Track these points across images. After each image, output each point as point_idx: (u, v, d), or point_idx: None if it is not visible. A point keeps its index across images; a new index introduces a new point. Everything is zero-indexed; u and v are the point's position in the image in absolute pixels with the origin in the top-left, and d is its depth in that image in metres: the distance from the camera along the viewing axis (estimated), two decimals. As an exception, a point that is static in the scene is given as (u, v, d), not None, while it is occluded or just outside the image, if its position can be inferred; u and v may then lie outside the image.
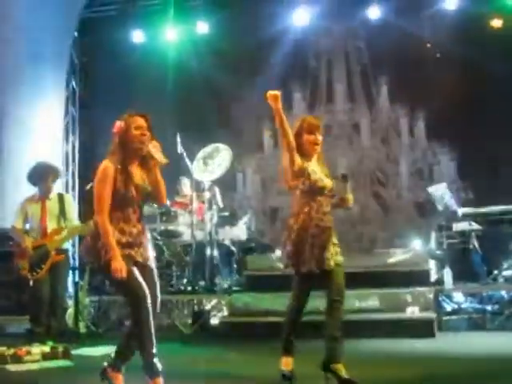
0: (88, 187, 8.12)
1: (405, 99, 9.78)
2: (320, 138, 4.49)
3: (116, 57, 10.20)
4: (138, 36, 10.58)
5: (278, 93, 4.32)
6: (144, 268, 3.94)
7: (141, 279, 3.84)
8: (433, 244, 8.07)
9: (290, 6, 10.10)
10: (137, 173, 3.98)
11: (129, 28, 10.53)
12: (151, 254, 4.19)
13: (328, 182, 4.46)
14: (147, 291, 3.81)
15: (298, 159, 4.36)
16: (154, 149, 3.97)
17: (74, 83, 10.91)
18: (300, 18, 10.13)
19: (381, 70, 10.00)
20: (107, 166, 3.88)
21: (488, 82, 9.72)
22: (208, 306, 7.88)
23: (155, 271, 4.07)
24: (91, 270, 6.83)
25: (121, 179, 3.89)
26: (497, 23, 9.72)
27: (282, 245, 4.52)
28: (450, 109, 9.42)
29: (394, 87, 10.02)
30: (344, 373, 4.14)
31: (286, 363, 4.40)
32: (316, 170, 4.45)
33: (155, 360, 3.82)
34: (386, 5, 9.84)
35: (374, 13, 9.93)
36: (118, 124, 3.98)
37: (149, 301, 3.81)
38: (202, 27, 10.29)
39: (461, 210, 7.77)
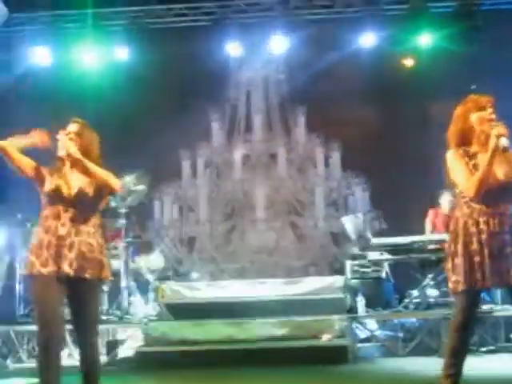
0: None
1: (321, 130, 10.01)
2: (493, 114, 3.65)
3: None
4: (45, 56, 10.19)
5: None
6: None
7: None
8: (347, 273, 8.23)
9: (208, 35, 10.23)
10: None
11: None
12: None
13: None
14: None
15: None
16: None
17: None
18: (220, 49, 10.20)
19: (299, 102, 10.22)
20: None
21: (399, 117, 10.15)
22: (123, 336, 7.73)
23: None
24: None
25: None
26: (409, 62, 10.26)
27: None
28: (364, 141, 9.74)
29: (310, 118, 10.24)
30: None
31: None
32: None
33: None
34: (300, 38, 10.10)
35: (278, 46, 10.09)
36: None
37: None
38: (122, 53, 10.12)
39: (373, 240, 8.00)
